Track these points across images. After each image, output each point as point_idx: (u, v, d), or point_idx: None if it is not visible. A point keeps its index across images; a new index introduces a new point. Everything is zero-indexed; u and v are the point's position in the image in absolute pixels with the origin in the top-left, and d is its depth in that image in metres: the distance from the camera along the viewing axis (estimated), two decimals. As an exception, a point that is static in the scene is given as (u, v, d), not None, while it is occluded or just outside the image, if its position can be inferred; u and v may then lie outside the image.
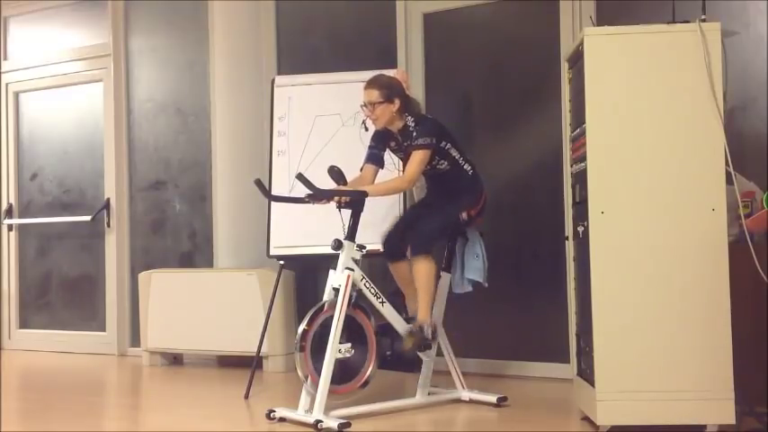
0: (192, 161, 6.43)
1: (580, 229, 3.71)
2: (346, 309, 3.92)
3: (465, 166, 4.26)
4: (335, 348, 3.87)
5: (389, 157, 4.37)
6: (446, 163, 4.22)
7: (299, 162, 5.05)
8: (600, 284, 3.48)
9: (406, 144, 4.16)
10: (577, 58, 3.69)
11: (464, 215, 4.23)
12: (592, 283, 3.49)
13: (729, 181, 3.46)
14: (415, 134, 4.12)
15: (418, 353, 4.21)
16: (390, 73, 5.01)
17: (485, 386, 4.50)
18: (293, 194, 4.61)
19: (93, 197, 6.89)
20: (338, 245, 3.98)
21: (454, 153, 4.22)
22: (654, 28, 3.52)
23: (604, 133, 3.51)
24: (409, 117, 4.21)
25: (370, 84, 4.15)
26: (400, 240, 4.29)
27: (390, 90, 4.13)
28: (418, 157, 4.08)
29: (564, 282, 4.57)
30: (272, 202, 4.97)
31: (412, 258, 4.16)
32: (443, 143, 4.17)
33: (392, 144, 4.27)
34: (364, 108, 4.17)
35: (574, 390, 3.99)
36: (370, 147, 4.29)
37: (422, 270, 4.12)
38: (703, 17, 3.51)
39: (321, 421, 3.74)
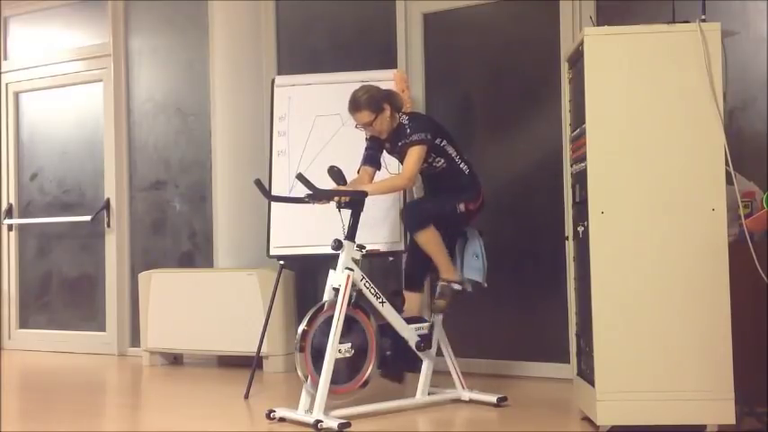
0: (192, 161, 6.43)
1: (580, 229, 3.71)
2: (346, 309, 3.92)
3: (461, 165, 4.26)
4: (335, 348, 3.87)
5: (383, 161, 4.38)
6: (443, 161, 4.21)
7: (299, 162, 5.05)
8: (600, 284, 3.48)
9: (401, 143, 4.15)
10: (577, 58, 3.69)
11: (461, 207, 4.22)
12: (592, 283, 3.49)
13: (729, 181, 3.46)
14: (409, 131, 4.11)
15: (418, 352, 4.22)
16: (389, 74, 5.04)
17: (485, 386, 4.50)
18: (293, 194, 4.61)
19: (93, 197, 6.89)
20: (338, 245, 3.98)
21: (450, 150, 4.22)
22: (654, 28, 3.52)
23: (604, 133, 3.51)
24: (403, 116, 4.21)
25: (355, 108, 4.12)
26: (420, 271, 4.36)
27: (375, 102, 4.10)
28: (415, 154, 4.07)
29: (564, 282, 4.56)
30: (272, 202, 4.97)
31: (412, 235, 4.20)
32: (439, 140, 4.16)
33: (387, 145, 4.27)
34: (362, 129, 4.17)
35: (574, 390, 3.99)
36: (366, 148, 4.30)
37: (427, 239, 4.15)
38: (703, 17, 3.51)
39: (321, 421, 3.74)
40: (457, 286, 4.26)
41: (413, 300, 4.36)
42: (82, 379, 5.73)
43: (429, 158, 4.16)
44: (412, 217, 4.21)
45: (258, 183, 4.20)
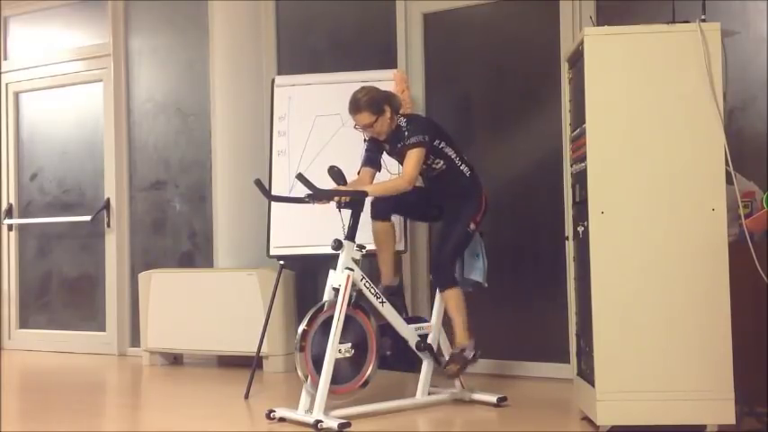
0: (192, 161, 6.43)
1: (580, 229, 3.71)
2: (346, 309, 3.92)
3: (462, 167, 4.25)
4: (335, 348, 3.87)
5: (383, 161, 4.37)
6: (442, 162, 4.20)
7: (299, 162, 5.05)
8: (600, 284, 3.48)
9: (400, 145, 4.15)
10: (577, 58, 3.69)
11: (472, 226, 4.22)
12: (592, 283, 3.49)
13: (729, 181, 3.46)
14: (407, 133, 4.11)
15: (418, 352, 4.22)
16: (389, 74, 5.04)
17: (485, 386, 4.51)
18: (293, 194, 4.61)
19: (93, 197, 6.89)
20: (338, 245, 3.98)
21: (449, 152, 4.21)
22: (654, 28, 3.52)
23: (604, 133, 3.51)
24: (401, 117, 4.21)
25: (356, 109, 4.10)
26: (390, 205, 4.26)
27: (376, 104, 4.09)
28: (414, 156, 4.06)
29: (564, 282, 4.56)
30: (272, 202, 4.97)
31: (440, 292, 4.23)
32: (437, 142, 4.15)
33: (386, 147, 4.27)
34: (361, 130, 4.16)
35: (574, 390, 3.99)
36: (366, 150, 4.29)
37: (452, 300, 4.18)
38: (703, 17, 3.51)
39: (321, 421, 3.74)
40: (469, 354, 4.20)
41: (384, 230, 4.25)
42: (82, 379, 5.73)
43: (428, 160, 4.15)
44: (437, 276, 4.26)
45: (258, 183, 4.20)
